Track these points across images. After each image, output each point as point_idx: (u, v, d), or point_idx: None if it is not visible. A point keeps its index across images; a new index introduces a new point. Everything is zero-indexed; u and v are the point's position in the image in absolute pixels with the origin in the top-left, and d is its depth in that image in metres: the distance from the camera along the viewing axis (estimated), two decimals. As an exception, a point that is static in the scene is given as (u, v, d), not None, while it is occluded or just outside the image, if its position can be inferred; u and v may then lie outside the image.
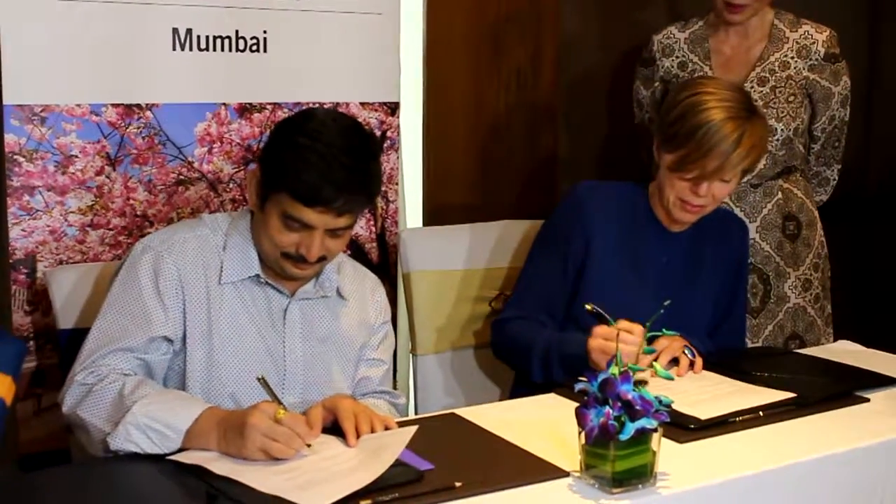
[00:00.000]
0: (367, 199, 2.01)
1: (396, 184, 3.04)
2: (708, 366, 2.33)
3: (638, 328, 2.10)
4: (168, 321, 1.97)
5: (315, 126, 1.95)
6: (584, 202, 2.43)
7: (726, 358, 2.40)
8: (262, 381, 1.81)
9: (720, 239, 2.52)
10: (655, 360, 2.19)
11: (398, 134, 3.03)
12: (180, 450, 1.77)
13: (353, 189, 1.93)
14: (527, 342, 2.35)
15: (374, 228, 3.01)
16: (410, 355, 2.74)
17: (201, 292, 2.00)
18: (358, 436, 1.81)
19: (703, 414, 1.98)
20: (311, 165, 1.89)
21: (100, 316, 1.99)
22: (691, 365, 2.28)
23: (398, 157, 3.04)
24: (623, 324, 2.07)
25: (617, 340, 1.86)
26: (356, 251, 2.97)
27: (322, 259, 1.99)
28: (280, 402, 1.79)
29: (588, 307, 1.94)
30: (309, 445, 1.75)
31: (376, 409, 2.00)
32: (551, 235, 2.47)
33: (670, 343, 2.26)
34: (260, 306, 2.04)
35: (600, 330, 2.17)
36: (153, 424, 1.77)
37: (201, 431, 1.76)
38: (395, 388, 2.28)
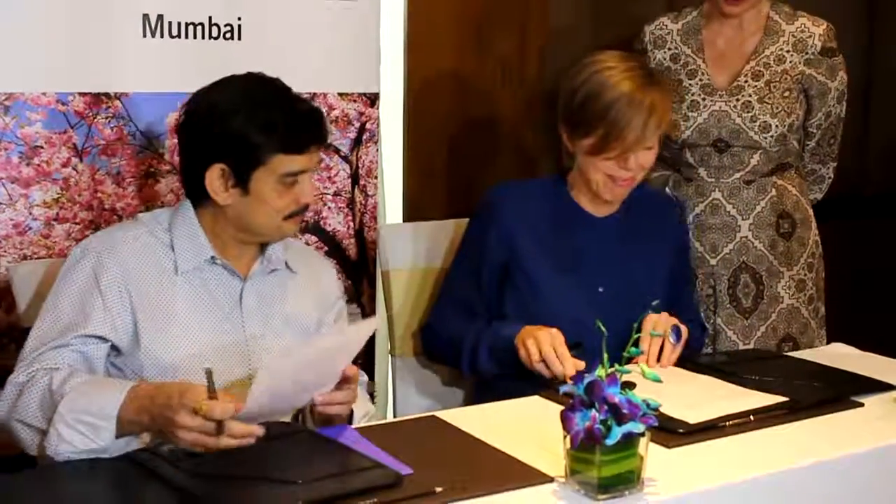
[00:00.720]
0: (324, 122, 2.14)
1: (376, 177, 3.04)
2: (697, 368, 2.35)
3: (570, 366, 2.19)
4: (107, 321, 1.99)
5: (237, 91, 2.07)
6: (498, 205, 2.50)
7: (715, 360, 2.42)
8: (208, 374, 1.76)
9: (653, 216, 2.59)
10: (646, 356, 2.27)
11: (378, 126, 3.03)
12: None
13: (320, 113, 2.08)
14: (455, 335, 2.44)
15: (352, 224, 3.00)
16: (389, 356, 2.74)
17: (150, 290, 2.03)
18: None
19: (693, 418, 1.99)
20: (282, 117, 2.01)
21: (38, 319, 2.02)
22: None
23: (378, 150, 3.04)
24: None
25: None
26: (333, 247, 2.97)
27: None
28: (214, 395, 1.74)
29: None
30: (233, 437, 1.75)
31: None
32: (466, 242, 2.56)
33: (658, 319, 2.33)
34: (215, 294, 2.09)
35: (546, 334, 2.26)
36: (82, 417, 1.79)
37: (130, 415, 1.78)
38: (373, 388, 2.30)
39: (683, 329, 2.39)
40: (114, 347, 2.01)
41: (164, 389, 1.78)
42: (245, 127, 2.00)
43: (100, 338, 1.99)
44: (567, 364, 2.19)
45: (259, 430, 1.74)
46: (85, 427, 1.78)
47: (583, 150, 2.40)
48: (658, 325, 2.35)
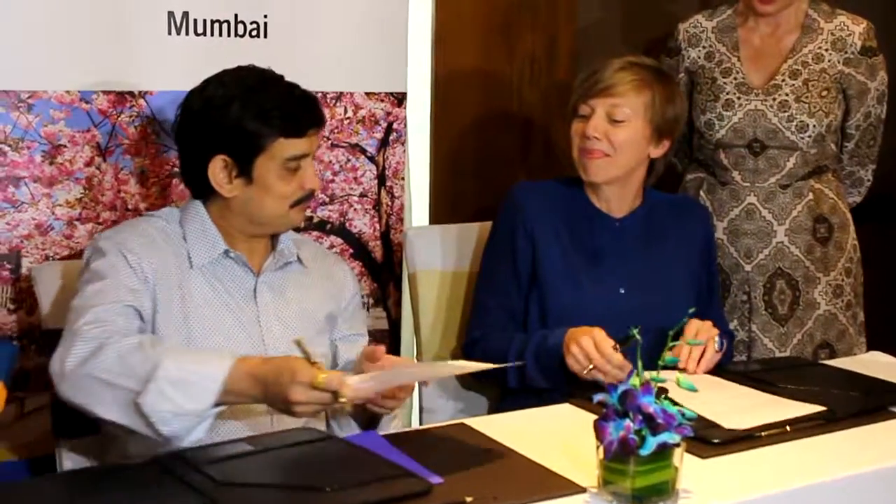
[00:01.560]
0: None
1: (402, 179, 3.06)
2: (732, 377, 2.36)
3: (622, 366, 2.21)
4: (141, 297, 2.03)
5: (231, 81, 2.13)
6: (522, 203, 2.53)
7: (751, 368, 2.42)
8: (299, 343, 1.91)
9: (678, 221, 2.59)
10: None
11: (405, 126, 3.05)
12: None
13: (312, 97, 2.14)
14: (500, 351, 2.41)
15: (378, 226, 3.03)
16: (416, 360, 2.76)
17: (173, 282, 2.08)
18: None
19: (731, 424, 2.00)
20: (277, 102, 2.08)
21: (78, 295, 2.03)
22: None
23: (404, 151, 3.06)
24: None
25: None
26: (359, 249, 2.99)
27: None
28: (314, 363, 1.87)
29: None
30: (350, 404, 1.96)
31: None
32: (496, 244, 2.57)
33: (701, 326, 2.35)
34: (230, 289, 2.14)
35: (595, 335, 2.26)
36: (189, 377, 1.84)
37: (237, 383, 1.85)
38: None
39: (724, 341, 2.40)
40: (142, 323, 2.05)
41: (274, 367, 1.86)
42: (242, 115, 2.07)
43: (136, 310, 2.03)
44: (614, 362, 2.20)
45: (372, 392, 1.91)
46: (191, 387, 1.83)
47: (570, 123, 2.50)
48: (701, 332, 2.35)
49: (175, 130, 2.19)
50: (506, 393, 2.54)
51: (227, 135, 2.08)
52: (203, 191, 2.15)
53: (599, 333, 2.25)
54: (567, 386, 2.31)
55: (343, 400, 1.85)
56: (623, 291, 2.47)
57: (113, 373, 1.86)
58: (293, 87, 2.13)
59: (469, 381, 2.68)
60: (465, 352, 2.55)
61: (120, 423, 1.88)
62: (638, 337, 1.74)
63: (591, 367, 2.22)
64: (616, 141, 2.44)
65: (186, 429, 1.85)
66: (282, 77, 2.16)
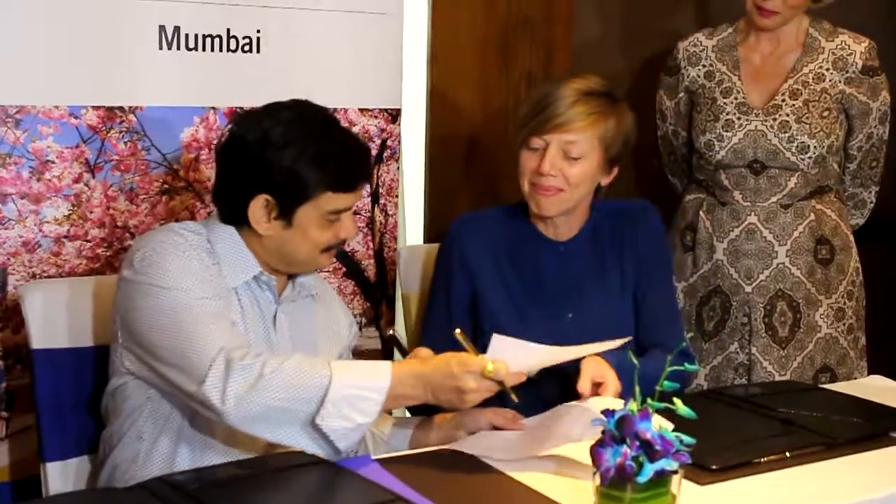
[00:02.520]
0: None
1: (396, 196, 3.07)
2: (731, 401, 2.36)
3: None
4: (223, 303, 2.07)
5: (290, 120, 2.08)
6: (458, 238, 2.51)
7: (749, 392, 2.43)
8: (461, 336, 2.04)
9: (621, 232, 2.51)
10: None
11: (399, 143, 3.06)
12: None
13: (366, 148, 2.17)
14: None
15: (371, 244, 3.03)
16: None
17: (218, 292, 2.08)
18: None
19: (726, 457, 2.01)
20: (333, 153, 2.07)
21: (166, 331, 2.00)
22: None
23: (398, 168, 3.07)
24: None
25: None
26: (352, 268, 3.00)
27: None
28: (479, 353, 2.02)
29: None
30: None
31: None
32: (436, 279, 2.56)
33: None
34: (255, 313, 2.14)
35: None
36: (358, 392, 1.92)
37: (401, 388, 1.96)
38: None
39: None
40: None
41: (437, 363, 2.01)
42: (296, 161, 2.05)
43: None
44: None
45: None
46: (362, 402, 1.92)
47: (518, 149, 2.45)
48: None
49: (219, 152, 2.15)
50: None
51: (277, 177, 2.06)
52: (236, 219, 2.12)
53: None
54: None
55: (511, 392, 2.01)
56: (571, 316, 2.45)
57: (286, 399, 1.91)
58: (350, 139, 2.13)
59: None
60: None
61: (298, 445, 1.94)
62: (636, 362, 1.74)
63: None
64: (571, 177, 2.39)
65: (358, 441, 1.98)
66: (337, 122, 2.16)
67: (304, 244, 2.11)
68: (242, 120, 2.14)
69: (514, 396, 2.03)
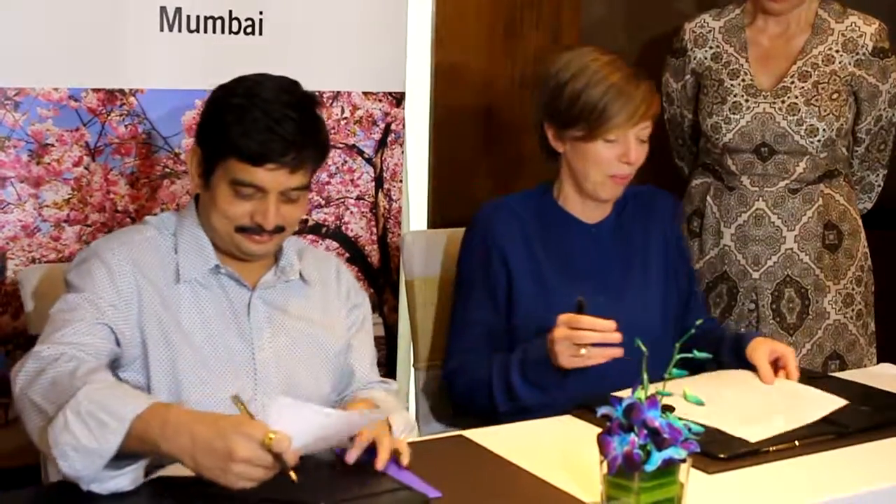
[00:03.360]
0: (320, 152, 2.06)
1: (400, 181, 3.06)
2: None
3: (608, 323, 2.16)
4: (120, 315, 1.97)
5: (249, 85, 2.02)
6: (489, 223, 2.48)
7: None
8: (236, 400, 1.75)
9: (646, 215, 2.55)
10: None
11: (403, 127, 3.05)
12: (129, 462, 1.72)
13: (304, 140, 1.99)
14: (483, 376, 2.36)
15: (375, 230, 3.03)
16: (413, 368, 2.76)
17: (155, 299, 2.02)
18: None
19: (754, 436, 2.01)
20: (255, 121, 1.96)
21: (51, 317, 1.98)
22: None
23: (403, 153, 3.06)
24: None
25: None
26: (355, 254, 2.99)
27: (280, 230, 2.04)
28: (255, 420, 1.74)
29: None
30: (295, 471, 1.70)
31: (377, 400, 2.05)
32: (469, 268, 2.50)
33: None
34: (221, 305, 2.07)
35: (564, 317, 2.19)
36: (97, 412, 1.70)
37: (152, 429, 1.69)
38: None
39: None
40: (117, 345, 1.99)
41: (208, 415, 1.72)
42: (223, 119, 1.99)
43: (109, 328, 1.96)
44: (600, 327, 2.16)
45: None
46: (94, 422, 1.69)
47: (575, 143, 2.40)
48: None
49: None
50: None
51: (204, 128, 2.05)
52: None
53: (565, 316, 2.20)
54: (562, 392, 2.27)
55: (290, 469, 1.69)
56: (602, 300, 2.43)
57: (44, 398, 1.79)
58: (290, 115, 1.98)
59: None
60: (447, 382, 2.48)
61: (40, 450, 1.80)
62: (643, 348, 1.73)
63: (583, 351, 2.17)
64: (638, 160, 2.41)
65: (89, 469, 1.70)
66: (298, 102, 2.01)
67: (215, 211, 2.02)
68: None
69: (293, 476, 1.68)
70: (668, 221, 2.59)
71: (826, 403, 2.17)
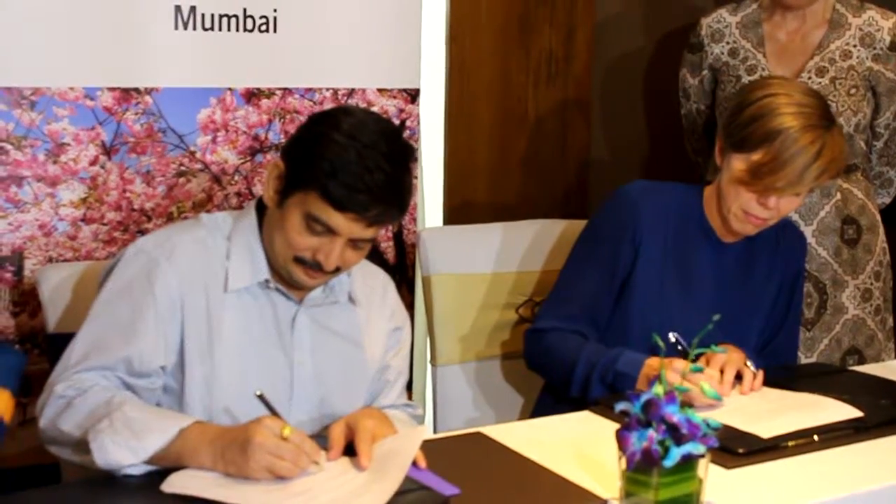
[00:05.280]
0: (400, 212, 2.01)
1: (415, 178, 3.05)
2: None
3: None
4: (161, 350, 1.97)
5: (354, 123, 1.95)
6: (639, 205, 2.42)
7: (775, 375, 2.41)
8: (261, 398, 1.82)
9: (775, 250, 2.52)
10: (721, 373, 2.26)
11: (418, 123, 3.05)
12: (165, 470, 1.77)
13: (390, 199, 1.95)
14: (569, 356, 2.35)
15: (390, 227, 3.02)
16: (430, 366, 2.76)
17: (201, 304, 2.01)
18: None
19: (766, 432, 2.00)
20: (349, 165, 1.90)
21: (87, 322, 1.99)
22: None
23: (418, 149, 3.06)
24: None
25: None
26: (371, 251, 2.97)
27: (336, 270, 2.01)
28: (281, 418, 1.81)
29: (672, 337, 1.93)
30: (317, 463, 1.77)
31: (395, 420, 2.02)
32: (599, 237, 2.46)
33: (730, 355, 2.29)
34: (266, 316, 2.05)
35: (680, 363, 2.14)
36: (141, 420, 1.78)
37: (190, 442, 1.77)
38: (409, 398, 2.31)
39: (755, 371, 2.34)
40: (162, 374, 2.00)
41: (233, 430, 1.79)
42: (319, 150, 1.94)
43: (147, 375, 1.97)
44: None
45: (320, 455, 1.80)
46: (140, 425, 1.78)
47: (731, 172, 2.33)
48: (731, 363, 2.30)
49: None
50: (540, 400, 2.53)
51: (298, 151, 1.98)
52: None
53: (681, 364, 2.13)
54: None
55: (316, 462, 1.77)
56: (714, 317, 2.40)
57: (78, 426, 1.84)
58: (382, 169, 1.91)
59: (477, 379, 2.67)
60: (527, 337, 2.47)
61: (91, 465, 1.83)
62: (661, 344, 1.73)
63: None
64: (786, 210, 2.34)
65: (125, 460, 1.78)
66: (397, 154, 1.96)
67: (280, 234, 1.98)
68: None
69: (318, 465, 1.78)
70: (793, 258, 2.55)
71: (841, 412, 2.14)
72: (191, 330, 1.99)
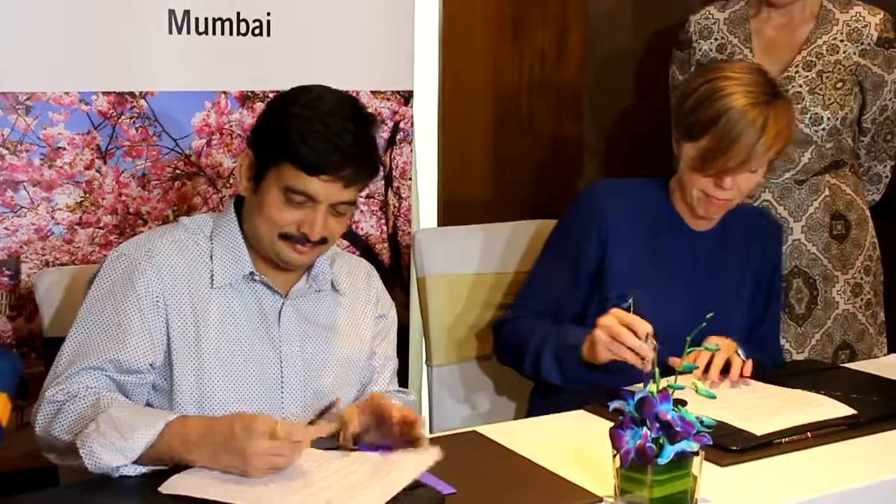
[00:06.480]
0: (373, 170, 2.06)
1: (409, 179, 3.05)
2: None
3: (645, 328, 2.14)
4: (147, 347, 1.99)
5: (312, 97, 2.01)
6: (600, 202, 2.47)
7: (768, 372, 2.42)
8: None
9: (752, 239, 2.56)
10: (708, 364, 2.28)
11: (412, 125, 3.04)
12: (163, 471, 1.78)
13: (362, 157, 1.99)
14: (524, 335, 2.41)
15: (385, 228, 3.02)
16: (425, 366, 2.76)
17: (185, 302, 2.02)
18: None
19: (760, 429, 2.00)
20: (316, 132, 1.95)
21: (73, 329, 2.01)
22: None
23: (412, 151, 3.06)
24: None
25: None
26: (365, 252, 2.99)
27: (323, 241, 2.03)
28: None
29: (630, 298, 1.99)
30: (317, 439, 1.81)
31: None
32: (563, 238, 2.52)
33: (720, 344, 2.31)
34: (252, 311, 2.07)
35: (616, 311, 2.19)
36: (127, 420, 1.79)
37: (179, 439, 1.78)
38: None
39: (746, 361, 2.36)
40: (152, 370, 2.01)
41: (219, 424, 1.78)
42: (281, 124, 1.99)
43: (137, 371, 1.98)
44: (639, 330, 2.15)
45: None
46: (125, 426, 1.78)
47: (685, 161, 2.38)
48: (721, 353, 2.33)
49: None
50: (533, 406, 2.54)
51: (262, 132, 2.04)
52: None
53: (618, 311, 2.19)
54: (580, 385, 2.30)
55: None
56: (689, 303, 2.42)
57: (68, 431, 1.86)
58: (350, 129, 1.97)
59: (472, 379, 2.69)
60: (494, 332, 2.54)
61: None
62: (655, 343, 1.73)
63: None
64: (746, 188, 2.38)
65: (114, 462, 1.78)
66: (353, 115, 2.00)
67: (261, 217, 2.01)
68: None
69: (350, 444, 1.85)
70: (769, 246, 2.59)
71: (834, 409, 2.14)
72: (176, 328, 2.01)
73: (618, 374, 2.18)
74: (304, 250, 2.02)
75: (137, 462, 1.79)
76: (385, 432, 1.90)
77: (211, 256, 2.06)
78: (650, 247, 2.46)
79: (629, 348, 2.14)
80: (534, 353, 2.38)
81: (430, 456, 1.81)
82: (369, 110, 2.07)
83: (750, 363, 2.34)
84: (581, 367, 2.28)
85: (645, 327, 2.13)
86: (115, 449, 1.77)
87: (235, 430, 1.74)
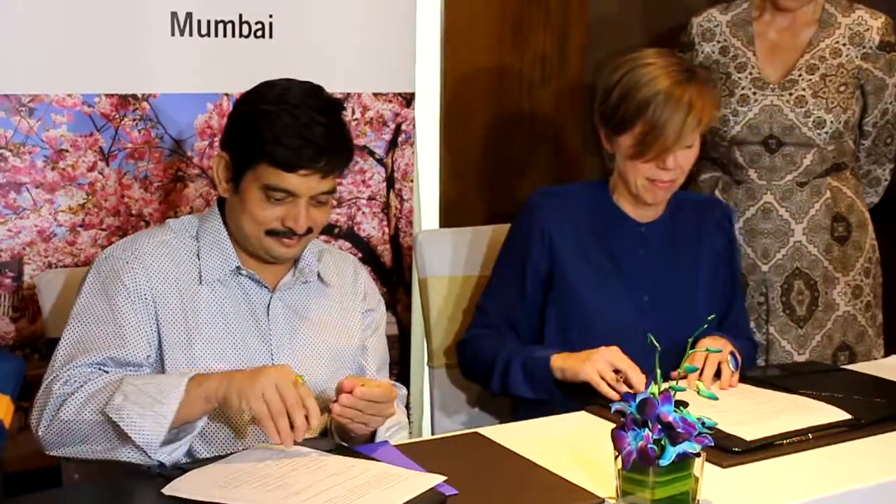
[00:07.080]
0: (348, 156, 2.08)
1: (411, 181, 3.05)
2: (750, 382, 2.35)
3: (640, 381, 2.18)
4: (143, 341, 2.01)
5: (278, 91, 2.03)
6: (539, 209, 2.50)
7: (769, 374, 2.41)
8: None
9: (701, 225, 2.58)
10: (701, 371, 2.28)
11: (413, 127, 3.04)
12: (167, 475, 1.78)
13: (335, 147, 2.02)
14: (490, 352, 2.44)
15: (387, 230, 3.02)
16: (427, 367, 2.75)
17: (174, 300, 2.05)
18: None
19: (749, 435, 1.99)
20: (287, 128, 1.97)
21: (67, 328, 2.03)
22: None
23: (413, 153, 3.05)
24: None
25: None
26: (367, 254, 2.98)
27: (309, 232, 2.06)
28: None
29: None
30: (310, 427, 1.82)
31: None
32: (509, 251, 2.55)
33: (716, 344, 2.33)
34: (240, 305, 2.09)
35: (620, 353, 2.24)
36: (152, 380, 1.87)
37: (200, 385, 1.84)
38: (408, 402, 2.31)
39: (738, 357, 2.37)
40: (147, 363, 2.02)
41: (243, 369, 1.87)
42: (254, 124, 2.01)
43: (137, 364, 1.99)
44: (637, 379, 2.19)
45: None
46: (153, 388, 1.83)
47: (622, 152, 2.41)
48: (716, 344, 2.35)
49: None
50: (519, 404, 2.53)
51: (235, 133, 2.06)
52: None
53: (617, 352, 2.24)
54: (560, 397, 2.31)
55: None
56: (647, 299, 2.45)
57: (83, 409, 1.87)
58: (319, 120, 2.00)
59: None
60: (457, 349, 2.57)
61: (105, 455, 1.87)
62: (656, 344, 1.72)
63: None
64: (686, 164, 2.41)
65: (158, 435, 1.81)
66: (325, 107, 2.03)
67: (245, 216, 2.04)
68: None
69: (310, 423, 1.84)
70: (721, 231, 2.61)
71: (832, 415, 2.13)
72: (167, 325, 2.03)
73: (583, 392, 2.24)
74: (292, 243, 2.06)
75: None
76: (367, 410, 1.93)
77: (198, 255, 2.09)
78: (598, 246, 2.48)
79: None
80: (500, 371, 2.40)
81: (431, 478, 1.78)
82: (333, 95, 2.10)
83: (737, 375, 2.35)
84: (549, 379, 2.32)
85: (639, 382, 2.16)
86: (154, 414, 1.81)
87: (261, 366, 1.86)
